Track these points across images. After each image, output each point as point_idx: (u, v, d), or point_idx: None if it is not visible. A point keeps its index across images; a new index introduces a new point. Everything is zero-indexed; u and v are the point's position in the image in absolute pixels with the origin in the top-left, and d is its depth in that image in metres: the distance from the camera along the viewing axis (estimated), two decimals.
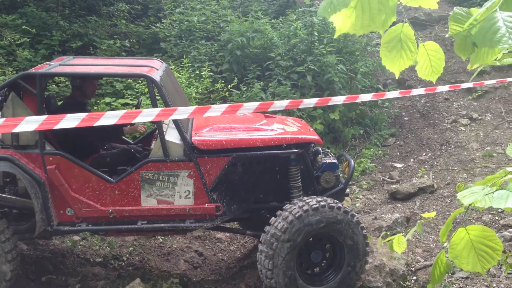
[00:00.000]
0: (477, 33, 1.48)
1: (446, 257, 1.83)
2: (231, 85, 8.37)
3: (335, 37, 1.77)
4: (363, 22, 1.40)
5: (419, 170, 7.82)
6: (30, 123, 2.75)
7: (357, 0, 1.37)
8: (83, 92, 5.02)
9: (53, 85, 7.41)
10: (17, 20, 8.47)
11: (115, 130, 5.00)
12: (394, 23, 1.58)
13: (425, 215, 2.09)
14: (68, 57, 5.33)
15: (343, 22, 1.42)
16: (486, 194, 1.59)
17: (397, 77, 1.70)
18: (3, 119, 2.70)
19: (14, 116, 4.32)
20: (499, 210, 5.97)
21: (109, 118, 2.90)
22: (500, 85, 9.84)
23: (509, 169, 1.70)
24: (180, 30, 10.14)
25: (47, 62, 5.04)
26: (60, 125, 2.79)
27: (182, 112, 3.16)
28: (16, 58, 7.98)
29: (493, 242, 1.65)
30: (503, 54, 2.67)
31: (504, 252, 5.00)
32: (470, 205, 1.60)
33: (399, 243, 2.09)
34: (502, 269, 4.96)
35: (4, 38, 7.98)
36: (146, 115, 3.07)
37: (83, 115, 2.83)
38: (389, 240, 2.21)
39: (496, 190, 1.60)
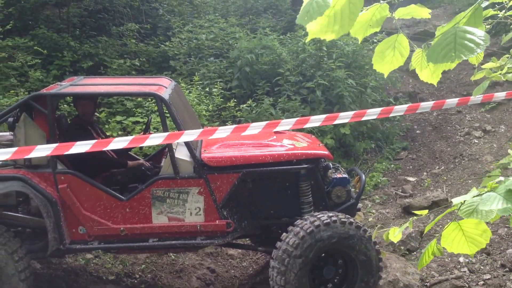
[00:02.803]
0: (430, 48, 1.52)
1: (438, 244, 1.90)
2: (244, 105, 8.38)
3: (307, 41, 1.92)
4: (333, 28, 1.50)
5: (432, 183, 7.75)
6: (42, 151, 2.79)
7: (331, 8, 1.46)
8: (79, 112, 5.04)
9: (65, 105, 7.49)
10: (29, 42, 8.59)
11: (119, 163, 5.02)
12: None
13: (418, 212, 2.09)
14: (79, 77, 5.38)
15: (316, 28, 1.53)
16: (474, 196, 1.61)
17: (385, 77, 1.84)
18: (15, 148, 2.75)
19: (26, 135, 4.37)
20: None
21: (118, 143, 2.93)
22: None
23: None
24: (189, 48, 10.22)
25: (58, 83, 5.09)
26: (71, 151, 2.83)
27: (189, 135, 3.18)
28: (28, 79, 8.08)
29: (481, 228, 1.68)
30: (507, 68, 2.66)
31: None
32: (461, 203, 1.63)
33: (394, 234, 2.13)
34: None
35: (16, 59, 8.09)
36: (154, 139, 3.08)
37: (92, 141, 2.86)
38: (384, 231, 2.25)
39: (485, 192, 1.62)
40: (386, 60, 1.75)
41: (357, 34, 1.70)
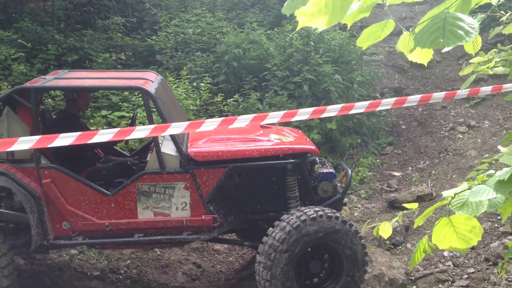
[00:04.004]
0: (419, 32, 1.51)
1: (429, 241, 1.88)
2: (231, 99, 8.36)
3: (297, 29, 1.94)
4: (324, 16, 1.49)
5: (415, 176, 7.81)
6: (24, 143, 2.74)
7: None
8: (76, 104, 5.02)
9: (49, 99, 7.40)
10: (12, 35, 8.47)
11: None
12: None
13: (407, 205, 2.08)
14: (63, 70, 5.33)
15: (307, 18, 1.51)
16: (464, 190, 1.60)
17: (364, 49, 1.92)
18: None
19: (9, 130, 4.31)
20: (499, 218, 5.94)
21: (103, 135, 2.89)
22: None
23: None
24: (176, 42, 10.15)
25: (42, 76, 5.04)
26: (54, 144, 2.79)
27: (176, 127, 3.15)
28: (11, 73, 7.96)
29: (471, 224, 1.66)
30: (495, 62, 2.67)
31: (501, 258, 4.98)
32: (452, 197, 1.62)
33: (384, 229, 2.12)
34: (502, 278, 4.93)
35: None
36: (140, 132, 3.05)
37: (77, 133, 2.83)
38: (374, 227, 2.24)
39: (476, 185, 1.61)
40: (370, 40, 1.81)
41: (346, 20, 1.70)
